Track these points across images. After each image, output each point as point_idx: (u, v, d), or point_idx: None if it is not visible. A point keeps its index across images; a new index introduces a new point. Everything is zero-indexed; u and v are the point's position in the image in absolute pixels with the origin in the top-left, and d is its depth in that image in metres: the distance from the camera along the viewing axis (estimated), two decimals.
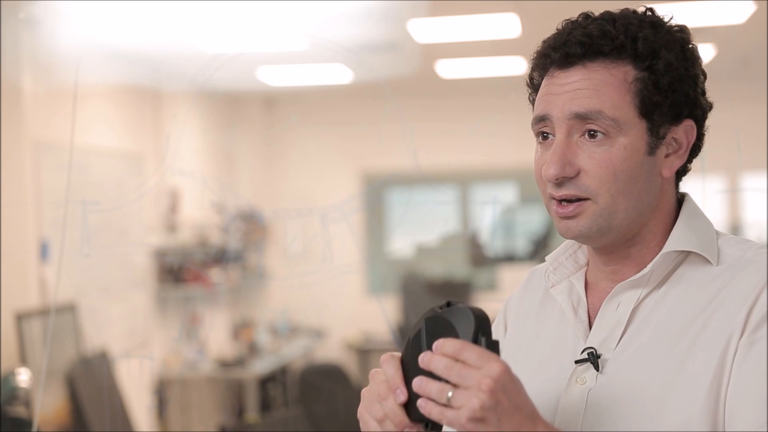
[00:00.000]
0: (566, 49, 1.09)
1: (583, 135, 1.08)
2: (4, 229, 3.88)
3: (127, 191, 5.29)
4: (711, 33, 4.96)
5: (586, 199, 1.08)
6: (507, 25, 4.76)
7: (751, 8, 4.54)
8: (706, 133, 1.14)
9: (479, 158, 7.35)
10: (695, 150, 1.14)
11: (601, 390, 1.09)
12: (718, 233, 1.14)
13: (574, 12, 1.14)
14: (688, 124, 1.11)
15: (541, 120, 1.11)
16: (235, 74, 5.69)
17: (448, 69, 6.06)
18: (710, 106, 1.14)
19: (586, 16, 1.11)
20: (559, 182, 1.08)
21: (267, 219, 6.89)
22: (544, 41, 1.14)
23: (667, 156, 1.11)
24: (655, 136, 1.09)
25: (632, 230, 1.11)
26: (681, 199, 1.17)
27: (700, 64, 1.12)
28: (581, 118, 1.07)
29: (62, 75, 4.11)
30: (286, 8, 4.41)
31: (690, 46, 1.11)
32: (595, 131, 1.07)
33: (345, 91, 6.93)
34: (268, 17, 4.57)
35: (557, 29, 1.13)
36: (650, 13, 1.11)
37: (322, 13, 4.55)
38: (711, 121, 1.16)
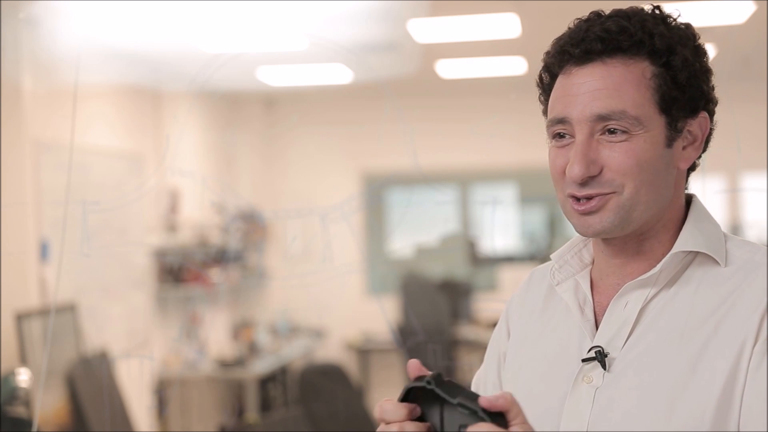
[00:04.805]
0: (586, 44, 1.09)
1: (603, 133, 1.08)
2: (4, 229, 3.87)
3: (127, 191, 5.29)
4: (711, 33, 4.95)
5: (611, 193, 1.09)
6: (507, 25, 4.75)
7: (751, 8, 4.54)
8: (714, 128, 1.15)
9: (479, 158, 7.34)
10: (705, 144, 1.15)
11: (609, 389, 1.08)
12: (725, 235, 1.14)
13: (573, 12, 1.14)
14: (703, 117, 1.12)
15: (559, 122, 1.11)
16: (235, 74, 5.68)
17: (448, 69, 6.06)
18: (716, 102, 1.15)
19: (599, 14, 1.11)
20: (584, 182, 1.09)
21: (267, 219, 6.88)
22: (558, 39, 1.13)
23: (684, 148, 1.12)
24: (674, 130, 1.10)
25: (649, 224, 1.12)
26: (688, 200, 1.17)
27: (708, 60, 1.14)
28: (603, 119, 1.08)
29: (62, 75, 4.10)
30: (286, 8, 4.41)
31: (699, 42, 1.13)
32: (615, 129, 1.08)
33: (345, 91, 6.93)
34: (268, 17, 4.57)
35: (569, 27, 1.12)
36: (658, 11, 1.12)
37: (322, 13, 4.54)
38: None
